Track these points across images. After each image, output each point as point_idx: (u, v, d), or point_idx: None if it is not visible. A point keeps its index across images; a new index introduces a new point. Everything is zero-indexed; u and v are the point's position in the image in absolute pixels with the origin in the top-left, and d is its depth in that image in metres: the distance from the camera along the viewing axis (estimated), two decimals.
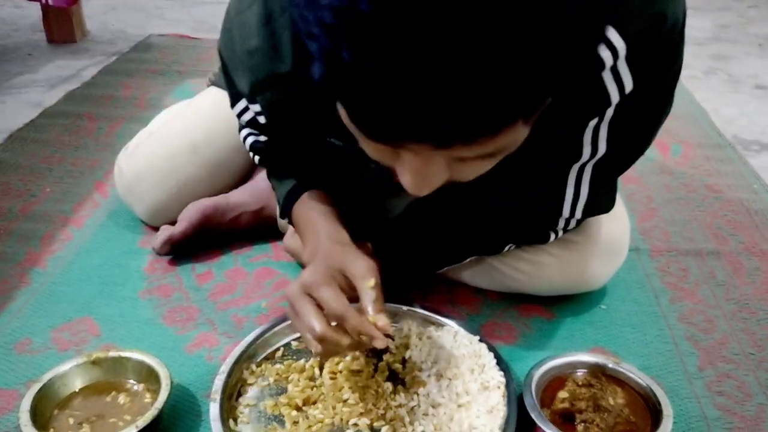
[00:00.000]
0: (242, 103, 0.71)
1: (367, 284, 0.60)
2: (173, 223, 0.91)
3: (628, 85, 0.57)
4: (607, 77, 0.56)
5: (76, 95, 1.45)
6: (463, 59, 0.35)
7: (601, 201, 0.72)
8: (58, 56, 1.73)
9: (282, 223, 0.90)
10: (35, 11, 1.86)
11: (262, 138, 0.74)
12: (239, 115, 0.72)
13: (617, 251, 0.80)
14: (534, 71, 0.37)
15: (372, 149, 0.48)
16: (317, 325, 0.58)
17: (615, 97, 0.57)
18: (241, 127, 0.76)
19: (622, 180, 0.74)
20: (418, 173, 0.46)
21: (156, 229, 0.92)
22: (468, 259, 0.79)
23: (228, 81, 0.70)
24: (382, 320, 0.58)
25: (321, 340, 0.58)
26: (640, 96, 0.58)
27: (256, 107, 0.69)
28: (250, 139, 0.75)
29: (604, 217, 0.77)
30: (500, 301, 0.83)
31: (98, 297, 0.83)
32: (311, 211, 0.71)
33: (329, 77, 0.40)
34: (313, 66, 0.40)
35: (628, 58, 0.55)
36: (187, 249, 0.90)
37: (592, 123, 0.61)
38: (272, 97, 0.65)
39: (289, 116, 0.67)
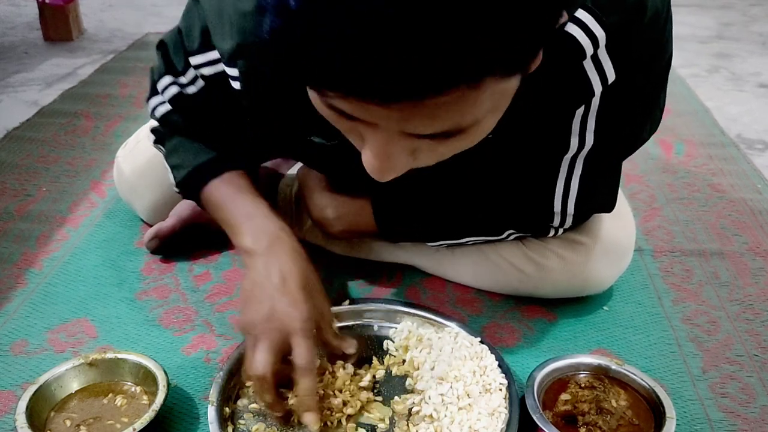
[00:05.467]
0: (167, 79, 0.71)
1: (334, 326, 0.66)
2: None
3: (610, 75, 0.57)
4: (588, 66, 0.57)
5: (72, 94, 1.45)
6: (404, 5, 0.35)
7: (597, 198, 0.71)
8: (54, 54, 1.72)
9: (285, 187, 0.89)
10: (32, 9, 1.86)
11: (185, 82, 0.72)
12: (163, 90, 0.72)
13: (622, 254, 0.80)
14: (480, 28, 0.37)
15: (335, 121, 0.47)
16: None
17: (597, 86, 0.58)
18: (152, 97, 0.75)
19: (624, 179, 0.73)
20: (380, 153, 0.45)
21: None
22: (467, 240, 0.77)
23: (175, 47, 0.70)
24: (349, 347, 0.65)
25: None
26: (625, 87, 0.59)
27: (183, 79, 0.69)
28: (162, 109, 0.74)
29: (609, 218, 0.77)
30: (502, 303, 0.82)
31: (95, 298, 0.83)
32: (245, 196, 0.69)
33: (278, 28, 0.40)
34: (265, 20, 0.41)
35: (608, 47, 0.55)
36: (179, 246, 0.89)
37: (579, 114, 0.61)
38: (252, 64, 0.64)
39: (263, 86, 0.65)
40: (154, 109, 0.75)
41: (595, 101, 0.60)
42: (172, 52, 0.71)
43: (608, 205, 0.73)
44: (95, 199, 1.04)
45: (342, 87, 0.40)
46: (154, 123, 0.98)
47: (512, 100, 0.46)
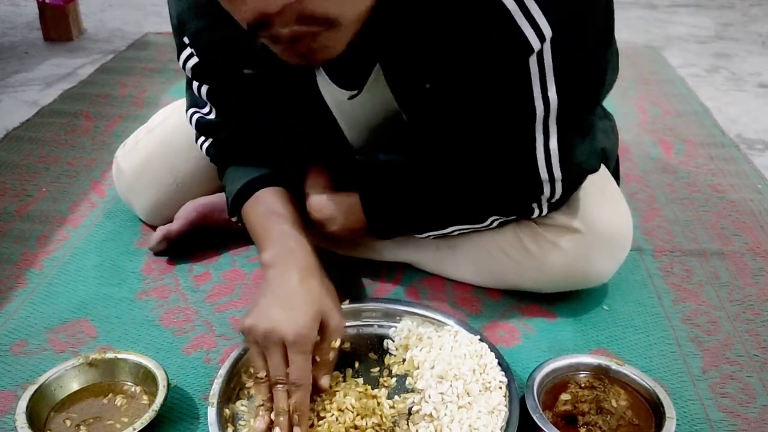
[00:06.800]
0: (187, 50, 0.72)
1: (335, 344, 0.64)
2: (171, 222, 0.90)
3: (546, 29, 0.58)
4: (521, 21, 0.58)
5: (72, 94, 1.45)
6: None
7: (578, 157, 0.70)
8: (54, 54, 1.72)
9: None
10: (32, 9, 1.86)
11: (206, 112, 0.76)
12: (185, 63, 0.73)
13: (620, 243, 0.78)
14: None
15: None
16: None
17: (534, 40, 0.59)
18: (188, 86, 0.78)
19: (623, 179, 0.73)
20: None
21: (153, 228, 0.92)
22: (452, 229, 0.77)
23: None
24: (326, 381, 0.64)
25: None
26: (569, 39, 0.60)
27: (204, 109, 0.73)
28: (196, 116, 0.77)
29: (602, 205, 0.76)
30: (501, 302, 0.82)
31: (95, 298, 0.83)
32: (272, 214, 0.71)
33: None
34: None
35: (538, 1, 0.57)
36: (183, 248, 0.89)
37: (536, 75, 0.62)
38: (198, 25, 0.67)
39: (218, 49, 0.68)
40: (200, 146, 0.80)
41: (548, 60, 0.61)
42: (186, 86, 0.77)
43: (592, 164, 0.72)
44: (95, 199, 1.04)
45: None
46: (156, 122, 0.99)
47: (448, 50, 0.54)
